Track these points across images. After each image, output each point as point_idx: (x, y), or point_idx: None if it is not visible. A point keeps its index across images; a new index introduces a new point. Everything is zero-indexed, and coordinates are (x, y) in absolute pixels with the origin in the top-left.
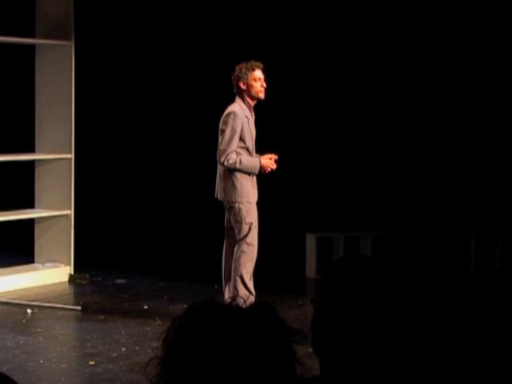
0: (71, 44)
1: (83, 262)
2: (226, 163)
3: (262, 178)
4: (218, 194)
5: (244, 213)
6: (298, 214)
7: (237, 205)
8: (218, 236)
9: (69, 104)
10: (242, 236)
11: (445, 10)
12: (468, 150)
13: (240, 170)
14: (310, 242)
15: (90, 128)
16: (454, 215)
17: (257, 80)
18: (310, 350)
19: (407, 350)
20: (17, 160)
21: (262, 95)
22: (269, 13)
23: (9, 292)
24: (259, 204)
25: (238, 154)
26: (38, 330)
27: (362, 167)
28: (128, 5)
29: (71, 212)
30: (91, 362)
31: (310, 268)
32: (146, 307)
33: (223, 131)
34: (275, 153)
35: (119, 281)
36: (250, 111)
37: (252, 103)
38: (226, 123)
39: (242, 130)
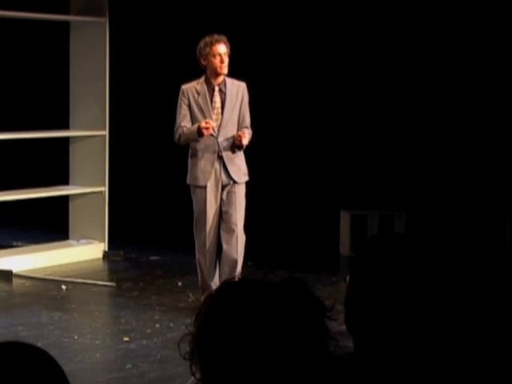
0: (105, 21)
1: (117, 238)
2: (176, 141)
3: (298, 155)
4: None
5: (193, 198)
6: (332, 192)
7: (191, 188)
8: (250, 214)
9: (103, 81)
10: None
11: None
12: (506, 132)
13: (191, 147)
14: (344, 219)
15: (125, 105)
16: (490, 194)
17: (216, 56)
18: (344, 327)
19: (443, 328)
20: (51, 137)
21: (220, 70)
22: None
23: (44, 268)
24: (288, 182)
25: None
26: (73, 306)
27: (397, 145)
28: None
29: (105, 189)
30: (125, 338)
31: (344, 245)
32: (179, 284)
33: None
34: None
35: (153, 257)
36: (210, 86)
37: (216, 79)
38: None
39: (190, 106)
